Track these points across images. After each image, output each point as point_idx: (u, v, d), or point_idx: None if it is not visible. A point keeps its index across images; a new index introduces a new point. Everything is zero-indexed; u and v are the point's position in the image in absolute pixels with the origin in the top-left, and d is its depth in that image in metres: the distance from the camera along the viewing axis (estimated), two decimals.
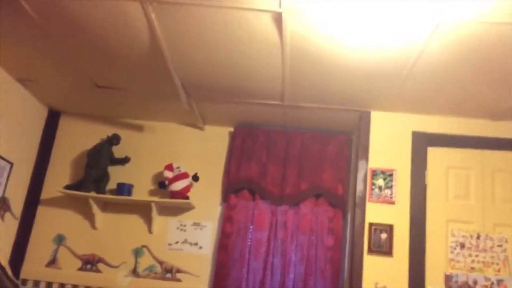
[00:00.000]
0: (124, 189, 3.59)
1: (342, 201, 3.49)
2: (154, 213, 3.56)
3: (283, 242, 3.48)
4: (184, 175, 3.56)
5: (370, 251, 3.02)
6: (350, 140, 3.62)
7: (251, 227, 3.52)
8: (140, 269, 3.54)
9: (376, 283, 2.90)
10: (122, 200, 3.59)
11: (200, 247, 3.57)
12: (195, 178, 3.62)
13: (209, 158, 3.76)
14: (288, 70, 2.79)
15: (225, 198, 3.61)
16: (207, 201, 3.66)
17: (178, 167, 3.57)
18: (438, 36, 2.29)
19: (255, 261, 3.45)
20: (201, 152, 3.78)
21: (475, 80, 2.69)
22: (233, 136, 3.73)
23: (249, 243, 3.49)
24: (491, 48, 2.35)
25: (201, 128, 3.82)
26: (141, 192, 3.68)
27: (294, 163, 3.59)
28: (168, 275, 3.53)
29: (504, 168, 3.03)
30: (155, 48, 2.66)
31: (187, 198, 3.54)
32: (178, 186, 3.52)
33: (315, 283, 3.37)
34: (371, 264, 2.99)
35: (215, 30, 2.42)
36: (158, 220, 3.60)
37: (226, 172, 3.68)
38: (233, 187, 3.60)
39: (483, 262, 2.88)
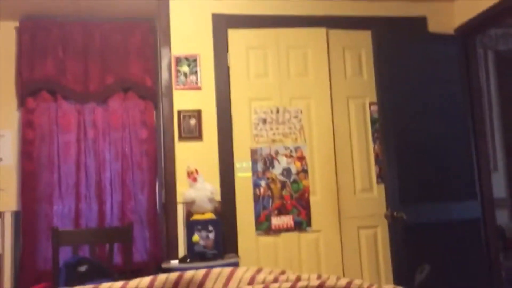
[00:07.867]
0: None
1: (152, 92, 3.40)
2: None
3: (94, 141, 3.33)
4: None
5: (181, 137, 3.06)
6: (154, 27, 3.44)
7: (56, 130, 3.28)
8: None
9: (188, 167, 2.99)
10: None
11: (0, 159, 3.24)
12: None
13: None
14: None
15: (22, 102, 3.26)
16: (1, 108, 3.26)
17: None
18: None
19: (66, 165, 3.28)
20: None
21: None
22: (19, 31, 3.27)
23: (57, 147, 3.27)
24: None
25: None
26: None
27: (96, 57, 3.33)
28: None
29: (297, 44, 3.19)
30: None
31: None
32: None
33: (132, 177, 3.35)
34: (183, 150, 3.05)
35: None
36: None
37: (18, 73, 3.27)
38: (29, 89, 3.24)
39: (282, 133, 3.14)
